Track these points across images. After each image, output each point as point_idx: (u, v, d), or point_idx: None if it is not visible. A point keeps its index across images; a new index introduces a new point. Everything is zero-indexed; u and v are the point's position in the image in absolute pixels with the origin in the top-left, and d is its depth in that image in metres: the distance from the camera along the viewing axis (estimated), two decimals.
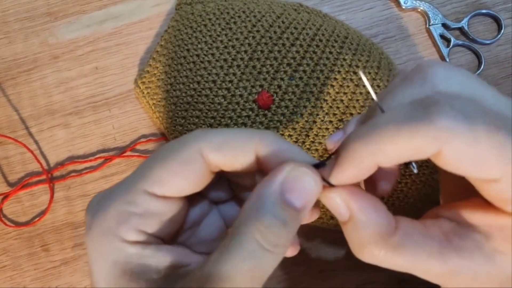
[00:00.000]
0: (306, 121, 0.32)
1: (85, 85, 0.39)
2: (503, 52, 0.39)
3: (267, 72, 0.32)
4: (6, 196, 0.37)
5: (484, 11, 0.39)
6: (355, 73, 0.32)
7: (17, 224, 0.37)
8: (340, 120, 0.32)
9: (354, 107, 0.32)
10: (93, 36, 0.39)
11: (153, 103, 0.35)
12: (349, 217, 0.20)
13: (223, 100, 0.32)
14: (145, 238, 0.21)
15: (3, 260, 0.37)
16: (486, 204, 0.20)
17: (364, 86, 0.32)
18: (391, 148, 0.18)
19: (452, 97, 0.18)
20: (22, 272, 0.37)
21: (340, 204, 0.20)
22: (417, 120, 0.18)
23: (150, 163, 0.21)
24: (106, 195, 0.22)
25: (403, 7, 0.40)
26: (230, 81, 0.32)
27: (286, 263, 0.36)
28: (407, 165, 0.22)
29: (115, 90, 0.39)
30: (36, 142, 0.38)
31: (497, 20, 0.39)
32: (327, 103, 0.32)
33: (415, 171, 0.21)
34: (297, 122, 0.32)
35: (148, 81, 0.36)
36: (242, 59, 0.32)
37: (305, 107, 0.32)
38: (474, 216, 0.20)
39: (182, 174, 0.21)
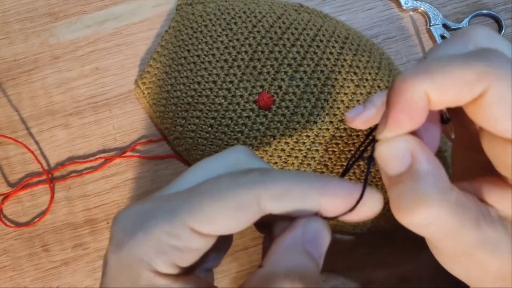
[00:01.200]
0: (307, 122, 0.32)
1: (86, 85, 0.39)
2: None
3: (268, 73, 0.32)
4: (6, 196, 0.37)
5: (484, 11, 0.39)
6: (355, 73, 0.32)
7: (17, 224, 0.37)
8: (341, 121, 0.32)
9: (354, 107, 0.32)
10: (93, 37, 0.40)
11: (153, 103, 0.35)
12: (407, 168, 0.19)
13: (223, 100, 0.32)
14: (177, 271, 0.21)
15: (3, 260, 0.37)
16: (502, 183, 0.20)
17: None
18: (442, 78, 0.18)
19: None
20: (22, 272, 0.37)
21: (404, 151, 0.19)
22: (470, 56, 0.18)
23: (201, 198, 0.20)
24: (146, 216, 0.21)
25: (404, 8, 0.40)
26: (231, 82, 0.32)
27: None
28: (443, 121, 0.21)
29: (115, 90, 0.39)
30: (37, 143, 0.38)
31: (497, 21, 0.39)
32: (327, 104, 0.32)
33: (447, 118, 0.20)
34: (298, 123, 0.32)
35: (149, 82, 0.36)
36: (242, 59, 0.32)
37: (305, 107, 0.32)
38: (492, 195, 0.20)
39: (237, 219, 0.20)
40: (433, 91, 0.18)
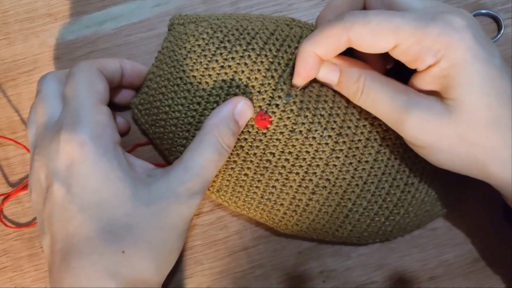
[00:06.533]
0: (306, 138, 0.32)
1: None
2: (503, 52, 0.39)
3: (265, 91, 0.31)
4: (6, 196, 0.37)
5: (483, 11, 0.39)
6: None
7: (18, 225, 0.37)
8: (339, 134, 0.32)
9: (350, 120, 0.32)
10: (93, 37, 0.39)
11: (152, 125, 0.35)
12: (340, 73, 0.30)
13: None
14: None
15: (3, 261, 0.37)
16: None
17: None
18: (321, 39, 0.28)
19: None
20: (22, 273, 0.37)
21: (331, 68, 0.30)
22: (333, 23, 0.28)
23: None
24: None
25: None
26: None
27: (286, 263, 0.36)
28: None
29: None
30: None
31: (497, 21, 0.39)
32: (324, 118, 0.32)
33: None
34: (297, 139, 0.32)
35: (146, 103, 0.35)
36: (240, 79, 0.32)
37: (303, 124, 0.32)
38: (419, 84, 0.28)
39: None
40: (318, 50, 0.29)
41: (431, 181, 0.33)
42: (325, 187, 0.33)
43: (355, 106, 0.32)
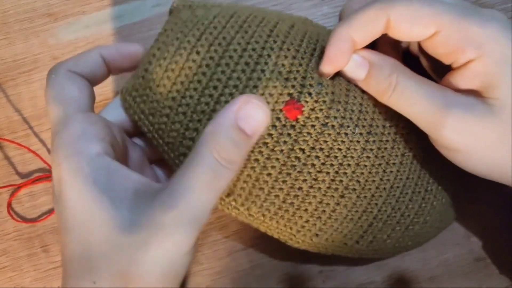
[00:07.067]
0: (338, 133, 0.28)
1: None
2: None
3: (295, 79, 0.28)
4: (16, 189, 0.37)
5: None
6: None
7: (26, 220, 0.37)
8: (369, 133, 0.29)
9: (379, 119, 0.30)
10: (93, 37, 0.40)
11: (150, 113, 0.30)
12: (369, 68, 0.27)
13: None
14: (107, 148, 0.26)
15: (2, 261, 0.37)
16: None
17: None
18: (358, 21, 0.26)
19: None
20: (22, 273, 0.37)
21: (359, 59, 0.28)
22: (370, 4, 0.26)
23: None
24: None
25: None
26: (255, 87, 0.28)
27: (286, 263, 0.36)
28: None
29: (115, 90, 0.39)
30: (42, 141, 0.38)
31: None
32: (354, 114, 0.29)
33: None
34: (329, 135, 0.28)
35: (143, 89, 0.30)
36: (266, 63, 0.28)
37: (335, 118, 0.28)
38: (455, 81, 0.26)
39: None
40: (355, 34, 0.26)
41: (447, 190, 0.32)
42: (355, 189, 0.29)
43: (381, 106, 0.29)
